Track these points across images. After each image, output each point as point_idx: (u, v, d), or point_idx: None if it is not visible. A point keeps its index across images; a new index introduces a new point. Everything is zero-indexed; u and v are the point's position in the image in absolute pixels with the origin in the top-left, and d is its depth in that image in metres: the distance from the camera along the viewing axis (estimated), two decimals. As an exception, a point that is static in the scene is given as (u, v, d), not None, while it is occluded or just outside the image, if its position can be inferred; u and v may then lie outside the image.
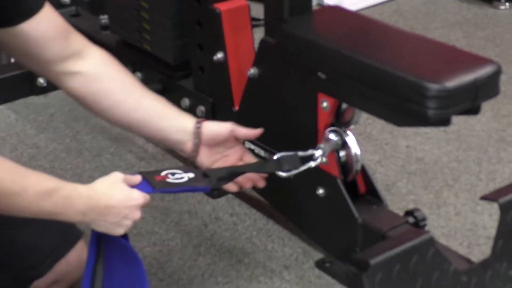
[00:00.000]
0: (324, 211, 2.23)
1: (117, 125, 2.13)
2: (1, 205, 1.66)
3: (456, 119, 1.94)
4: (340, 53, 2.06)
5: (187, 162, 2.73)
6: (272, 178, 1.99)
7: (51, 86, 3.17)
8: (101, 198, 1.74)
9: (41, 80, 3.16)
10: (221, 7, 2.44)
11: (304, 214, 2.33)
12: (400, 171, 2.74)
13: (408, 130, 2.92)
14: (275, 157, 1.96)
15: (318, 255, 2.33)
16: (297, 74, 2.19)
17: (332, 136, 2.12)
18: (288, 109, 2.25)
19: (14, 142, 2.91)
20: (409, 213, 2.18)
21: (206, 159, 1.99)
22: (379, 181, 2.50)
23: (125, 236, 1.79)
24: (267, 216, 2.50)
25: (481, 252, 2.29)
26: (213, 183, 1.87)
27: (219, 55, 2.47)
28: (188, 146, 1.98)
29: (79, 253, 2.10)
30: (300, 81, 2.18)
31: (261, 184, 1.99)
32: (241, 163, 2.00)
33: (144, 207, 1.78)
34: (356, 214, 2.15)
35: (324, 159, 2.06)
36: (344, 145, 2.13)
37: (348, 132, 2.13)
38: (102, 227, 1.76)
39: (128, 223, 1.76)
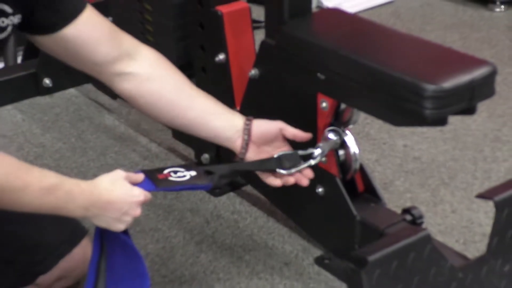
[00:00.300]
0: (324, 209, 2.23)
1: (169, 125, 2.14)
2: (5, 200, 1.66)
3: (453, 119, 1.93)
4: (339, 54, 2.06)
5: (189, 160, 2.74)
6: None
7: (57, 87, 3.19)
8: (103, 194, 1.74)
9: (46, 81, 3.16)
10: (222, 9, 2.44)
11: (304, 212, 2.33)
12: (397, 169, 2.74)
13: (406, 130, 2.92)
14: (275, 155, 1.96)
15: (317, 252, 2.33)
16: (297, 74, 2.19)
17: (331, 136, 2.12)
18: (288, 109, 2.25)
19: (20, 141, 2.91)
20: (406, 211, 2.18)
21: (254, 157, 1.98)
22: (377, 179, 2.49)
23: (126, 233, 1.79)
24: (268, 214, 2.50)
25: (476, 249, 2.28)
26: (215, 180, 1.86)
27: (221, 56, 2.47)
28: (238, 143, 1.96)
29: (84, 250, 2.10)
30: (300, 82, 2.18)
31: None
32: None
33: (147, 205, 1.78)
34: (355, 212, 2.15)
35: (324, 158, 2.05)
36: (343, 144, 2.13)
37: (347, 131, 2.13)
38: (103, 222, 1.77)
39: (128, 219, 1.76)
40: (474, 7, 4.03)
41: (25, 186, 1.66)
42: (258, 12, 2.78)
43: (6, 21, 1.77)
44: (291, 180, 1.94)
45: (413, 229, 2.07)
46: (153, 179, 1.80)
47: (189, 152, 2.76)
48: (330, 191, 2.19)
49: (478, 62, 1.97)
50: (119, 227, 1.76)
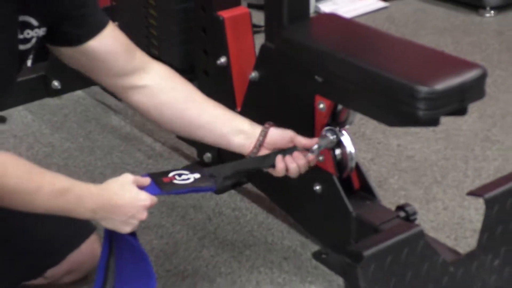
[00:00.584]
0: (321, 206, 2.23)
1: (181, 134, 2.15)
2: (19, 202, 1.67)
3: (445, 120, 1.93)
4: (336, 57, 2.05)
5: (192, 159, 2.74)
6: (272, 175, 1.98)
7: (65, 89, 3.19)
8: (111, 198, 1.74)
9: (55, 83, 3.17)
10: (224, 14, 2.44)
11: (302, 208, 2.33)
12: (391, 168, 2.74)
13: (399, 130, 2.92)
14: (275, 151, 1.96)
15: (315, 247, 2.32)
16: (296, 77, 2.19)
17: (329, 135, 2.12)
18: (287, 110, 2.25)
19: (30, 141, 2.91)
20: (400, 208, 2.18)
21: None
22: (372, 177, 2.49)
23: (133, 234, 1.80)
24: (267, 211, 2.50)
25: (467, 245, 2.28)
26: (219, 183, 1.87)
27: (223, 60, 2.47)
28: (246, 147, 1.98)
29: (91, 246, 2.11)
30: (299, 84, 2.18)
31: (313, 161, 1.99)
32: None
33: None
34: (351, 209, 2.14)
35: (321, 157, 2.05)
36: (339, 144, 2.13)
37: (343, 131, 2.13)
38: (110, 225, 1.77)
39: (134, 222, 1.77)
40: (465, 12, 4.03)
41: (37, 189, 1.67)
42: (258, 17, 2.78)
43: (31, 33, 1.80)
44: (292, 168, 1.95)
45: (406, 225, 2.07)
46: (159, 182, 1.81)
47: (192, 151, 2.76)
48: (327, 189, 2.19)
49: (469, 65, 1.97)
50: (126, 229, 1.77)
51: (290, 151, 1.96)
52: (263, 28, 2.35)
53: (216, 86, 2.54)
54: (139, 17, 2.96)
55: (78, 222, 1.83)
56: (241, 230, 2.43)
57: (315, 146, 2.01)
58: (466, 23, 3.93)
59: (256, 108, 2.38)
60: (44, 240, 2.04)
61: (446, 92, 1.87)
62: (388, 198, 2.49)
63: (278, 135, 1.98)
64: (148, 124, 3.00)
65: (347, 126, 2.16)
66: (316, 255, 2.30)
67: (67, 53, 1.91)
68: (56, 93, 3.21)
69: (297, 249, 2.34)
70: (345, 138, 2.12)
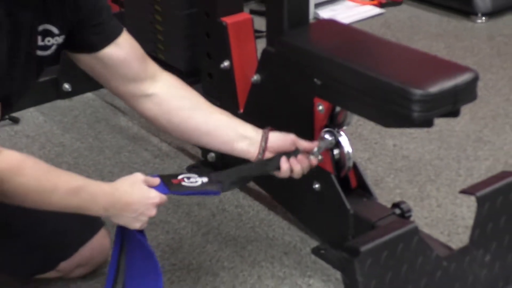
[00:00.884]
0: (320, 203, 2.23)
1: (188, 141, 2.18)
2: (36, 200, 1.68)
3: (438, 121, 1.94)
4: (334, 61, 2.06)
5: (196, 158, 2.74)
6: (273, 174, 1.99)
7: (76, 91, 3.19)
8: (122, 196, 1.75)
9: (66, 86, 3.17)
10: (227, 20, 2.44)
11: (302, 206, 2.33)
12: (387, 167, 2.74)
13: (395, 131, 2.92)
14: (278, 155, 1.97)
15: (314, 243, 2.32)
16: (296, 80, 2.19)
17: (327, 136, 2.12)
18: (287, 112, 2.25)
19: (42, 141, 2.91)
20: (395, 205, 2.18)
21: None
22: (369, 176, 2.49)
23: (142, 232, 1.80)
24: (269, 208, 2.50)
25: (460, 240, 2.28)
26: (225, 187, 1.87)
27: (226, 63, 2.47)
28: (251, 153, 1.99)
29: (101, 240, 2.11)
30: (298, 87, 2.18)
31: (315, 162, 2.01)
32: None
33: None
34: (348, 206, 2.14)
35: (320, 157, 2.05)
36: (337, 144, 2.13)
37: (341, 132, 2.13)
38: (121, 221, 1.79)
39: (144, 219, 1.78)
40: (458, 18, 4.02)
41: (54, 188, 1.68)
42: (260, 23, 2.78)
43: (52, 41, 1.81)
44: (297, 169, 1.97)
45: (402, 222, 2.08)
46: (168, 183, 1.82)
47: (197, 151, 2.76)
48: (326, 187, 2.19)
49: (461, 69, 1.97)
50: (136, 225, 1.78)
51: (292, 154, 1.97)
52: (264, 33, 2.35)
53: (220, 89, 2.55)
54: (146, 22, 2.97)
55: (87, 218, 1.84)
56: (243, 226, 2.43)
57: (315, 149, 2.01)
58: (458, 28, 3.92)
59: (258, 110, 2.38)
60: (56, 235, 2.04)
61: (440, 94, 1.87)
62: (384, 196, 2.49)
63: (280, 139, 1.99)
64: (155, 125, 3.00)
65: (345, 127, 2.16)
66: (315, 250, 2.29)
67: (84, 60, 1.92)
68: (67, 95, 3.21)
69: (297, 244, 2.34)
70: (343, 139, 2.12)
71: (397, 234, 1.92)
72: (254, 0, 4.11)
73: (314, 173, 2.05)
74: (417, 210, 2.44)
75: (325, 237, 2.28)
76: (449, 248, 2.13)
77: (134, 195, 1.76)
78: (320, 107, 2.12)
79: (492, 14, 4.00)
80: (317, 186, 2.20)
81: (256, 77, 2.34)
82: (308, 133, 2.15)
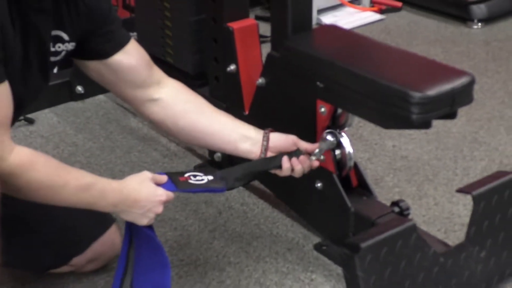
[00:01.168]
0: (322, 202, 2.22)
1: (193, 143, 2.19)
2: (48, 196, 1.68)
3: (436, 123, 1.93)
4: (336, 65, 2.05)
5: (204, 158, 2.74)
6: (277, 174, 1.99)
7: (88, 93, 3.20)
8: (131, 193, 1.75)
9: (79, 88, 3.17)
10: (233, 25, 2.44)
11: (305, 204, 2.33)
12: (387, 167, 2.73)
13: (394, 132, 2.91)
14: (280, 155, 1.97)
15: (316, 239, 2.32)
16: (299, 83, 2.19)
17: (329, 137, 2.12)
18: (291, 113, 2.25)
19: (56, 141, 2.91)
20: (394, 203, 2.18)
21: None
22: (369, 176, 2.48)
23: (150, 227, 1.80)
24: (273, 206, 2.49)
25: (456, 237, 2.28)
26: (229, 184, 1.87)
27: (232, 67, 2.46)
28: (254, 153, 1.99)
29: (112, 236, 2.11)
30: (301, 89, 2.18)
31: (316, 164, 2.01)
32: None
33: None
34: (349, 204, 2.14)
35: (322, 157, 2.05)
36: (339, 145, 2.12)
37: (343, 133, 2.13)
38: (129, 217, 1.78)
39: (151, 215, 1.78)
40: (455, 24, 4.02)
41: (64, 184, 1.67)
42: (265, 28, 2.78)
43: (62, 47, 1.81)
44: (298, 168, 1.97)
45: (400, 219, 2.07)
46: (175, 181, 1.82)
47: (204, 151, 2.75)
48: (328, 186, 2.18)
49: (458, 73, 1.97)
50: (143, 221, 1.78)
51: (294, 154, 1.97)
52: (269, 38, 2.36)
53: (226, 91, 2.54)
54: (156, 28, 2.97)
55: (99, 214, 1.84)
56: (248, 223, 2.42)
57: (317, 150, 2.01)
58: (455, 34, 3.92)
59: (262, 112, 2.38)
60: (69, 231, 2.04)
61: (437, 97, 1.87)
62: (384, 195, 2.48)
63: (281, 139, 1.99)
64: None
65: (346, 128, 2.15)
66: (317, 247, 2.29)
67: (93, 66, 1.92)
68: (80, 97, 3.21)
69: (300, 241, 2.33)
70: (344, 140, 2.12)
71: (396, 231, 1.92)
72: (259, 6, 4.11)
73: (317, 172, 2.05)
74: (415, 208, 2.43)
75: (327, 234, 2.28)
76: (446, 245, 2.13)
77: (142, 192, 1.76)
78: (323, 109, 2.12)
79: (487, 20, 3.99)
80: (319, 185, 2.20)
81: (261, 80, 2.33)
82: (310, 134, 2.14)
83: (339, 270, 2.18)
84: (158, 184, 1.79)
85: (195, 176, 1.85)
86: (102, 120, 3.07)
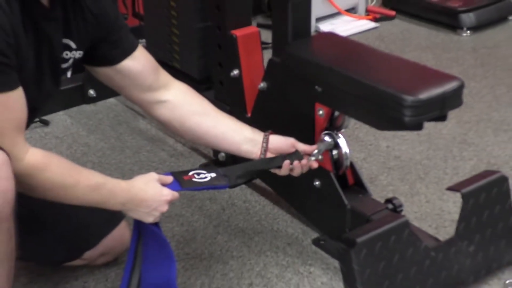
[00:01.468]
0: (320, 199, 2.22)
1: (198, 143, 2.19)
2: (60, 195, 1.68)
3: (427, 125, 1.93)
4: (333, 70, 2.05)
5: (208, 158, 2.74)
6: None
7: (100, 97, 3.20)
8: (138, 193, 1.75)
9: (91, 92, 3.17)
10: (237, 33, 2.44)
11: (304, 201, 2.33)
12: (381, 166, 2.73)
13: (388, 133, 2.91)
14: (280, 156, 1.97)
15: (314, 235, 2.32)
16: (298, 87, 2.19)
17: (327, 138, 2.12)
18: (291, 116, 2.24)
19: (69, 141, 2.91)
20: (388, 200, 2.18)
21: None
22: (365, 174, 2.48)
23: (156, 224, 1.80)
24: (274, 203, 2.49)
25: (446, 233, 2.27)
26: (231, 181, 1.87)
27: (235, 72, 2.46)
28: (255, 153, 1.99)
29: (122, 231, 2.11)
30: (301, 93, 2.17)
31: (315, 165, 2.00)
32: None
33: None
34: (346, 201, 2.14)
35: (320, 157, 2.05)
36: (336, 145, 2.12)
37: (340, 134, 2.12)
38: (136, 215, 1.79)
39: (157, 214, 1.78)
40: (445, 32, 4.01)
41: (76, 184, 1.67)
42: (266, 35, 2.78)
43: (69, 54, 1.82)
44: (297, 168, 1.97)
45: (394, 216, 2.07)
46: (180, 180, 1.81)
47: (208, 151, 2.75)
48: (326, 184, 2.18)
49: (448, 78, 1.97)
50: (149, 219, 1.79)
51: (293, 155, 1.97)
52: (270, 45, 2.35)
53: (230, 95, 2.54)
54: (163, 35, 2.97)
55: (109, 212, 1.84)
56: (250, 219, 2.42)
57: (316, 151, 2.01)
58: (445, 41, 3.91)
59: (264, 114, 2.38)
60: (81, 228, 2.04)
61: (429, 101, 1.86)
62: (378, 193, 2.48)
63: (281, 141, 2.00)
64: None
65: (343, 130, 2.15)
66: (316, 241, 2.29)
67: (103, 72, 1.92)
68: (92, 100, 3.21)
69: (299, 236, 2.33)
70: (341, 141, 2.12)
71: (389, 227, 1.92)
72: (261, 14, 4.10)
73: (315, 171, 2.05)
74: (407, 205, 2.43)
75: (325, 230, 2.28)
76: (436, 240, 2.12)
77: (149, 192, 1.76)
78: (321, 112, 2.12)
79: (476, 28, 3.99)
80: (317, 183, 2.20)
81: (262, 85, 2.33)
82: (309, 135, 2.14)
83: (336, 263, 2.17)
84: (164, 184, 1.79)
85: (198, 174, 1.85)
86: (113, 122, 3.07)
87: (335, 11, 4.10)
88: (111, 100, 3.24)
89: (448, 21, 4.04)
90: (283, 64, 2.24)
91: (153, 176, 1.79)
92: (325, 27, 4.01)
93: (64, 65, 1.83)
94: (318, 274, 2.16)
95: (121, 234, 2.11)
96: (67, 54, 1.81)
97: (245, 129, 2.02)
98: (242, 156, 2.02)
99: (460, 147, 2.86)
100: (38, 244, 1.98)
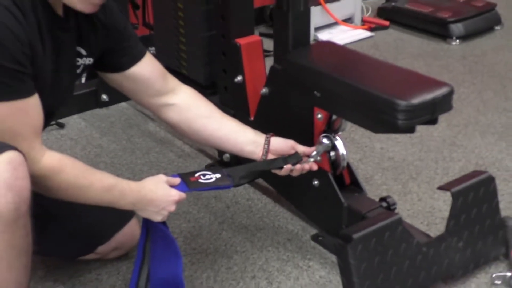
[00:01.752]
0: (318, 197, 2.22)
1: (203, 144, 2.18)
2: (75, 195, 1.68)
3: (419, 128, 1.92)
4: (331, 76, 2.05)
5: (214, 159, 2.73)
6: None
7: (112, 101, 3.19)
8: (147, 194, 1.75)
9: (104, 96, 3.17)
10: (240, 41, 2.44)
11: (303, 199, 2.32)
12: (376, 167, 2.72)
13: (382, 136, 2.91)
14: (281, 158, 1.97)
15: (313, 231, 2.31)
16: (298, 92, 2.18)
17: (325, 140, 2.11)
18: (291, 119, 2.24)
19: (83, 143, 2.91)
20: (383, 199, 2.17)
21: None
22: (360, 175, 2.48)
23: (164, 223, 1.80)
24: (275, 201, 2.49)
25: (437, 229, 2.27)
26: (235, 181, 1.87)
27: (239, 78, 2.46)
28: (257, 154, 1.99)
29: (132, 228, 2.11)
30: (301, 98, 2.17)
31: (315, 167, 2.00)
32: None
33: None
34: (343, 200, 2.14)
35: (319, 158, 2.05)
36: (334, 147, 2.12)
37: (337, 137, 2.12)
38: (146, 215, 1.79)
39: (165, 213, 1.78)
40: (436, 41, 4.01)
41: (90, 185, 1.67)
42: (268, 44, 2.78)
43: (80, 61, 1.82)
44: (297, 169, 1.96)
45: (388, 213, 2.07)
46: (187, 181, 1.81)
47: (214, 152, 2.75)
48: (324, 183, 2.18)
49: (439, 84, 1.96)
50: (158, 218, 1.79)
51: (293, 157, 1.96)
52: (272, 53, 2.34)
53: (234, 99, 2.54)
54: (172, 43, 2.97)
55: (120, 210, 1.84)
56: (253, 216, 2.42)
57: (314, 153, 2.01)
58: (436, 49, 3.91)
59: (266, 118, 2.38)
60: (95, 224, 2.04)
61: (421, 105, 1.86)
62: (373, 191, 2.48)
63: (281, 143, 1.99)
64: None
65: (340, 133, 2.15)
66: (314, 237, 2.29)
67: (113, 78, 1.92)
68: (105, 104, 3.21)
69: (299, 232, 2.33)
70: (339, 143, 2.11)
71: (384, 224, 1.91)
72: (263, 24, 4.10)
73: (314, 171, 2.04)
74: (400, 204, 2.42)
75: (323, 226, 2.27)
76: (428, 236, 2.12)
77: (158, 193, 1.76)
78: (319, 116, 2.11)
79: (464, 37, 3.99)
80: (316, 182, 2.19)
81: (264, 90, 2.33)
82: (308, 138, 2.14)
83: (333, 258, 2.17)
84: (172, 186, 1.79)
85: (204, 175, 1.85)
86: (124, 125, 3.07)
87: (333, 21, 4.09)
88: (123, 104, 3.23)
89: (438, 30, 4.04)
90: (284, 71, 2.23)
91: (161, 178, 1.79)
92: (323, 36, 4.01)
93: (77, 71, 1.83)
94: (316, 268, 2.16)
95: (131, 230, 2.10)
96: (78, 61, 1.81)
97: (248, 131, 2.01)
98: (245, 156, 2.02)
99: (450, 148, 2.86)
100: (54, 239, 1.98)
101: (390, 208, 2.15)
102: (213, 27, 2.67)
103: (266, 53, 2.58)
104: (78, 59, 1.80)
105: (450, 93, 1.93)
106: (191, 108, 1.99)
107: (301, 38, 2.22)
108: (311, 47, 2.32)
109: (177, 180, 1.80)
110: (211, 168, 2.00)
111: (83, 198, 1.69)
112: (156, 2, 3.09)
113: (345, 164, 2.14)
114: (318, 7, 3.96)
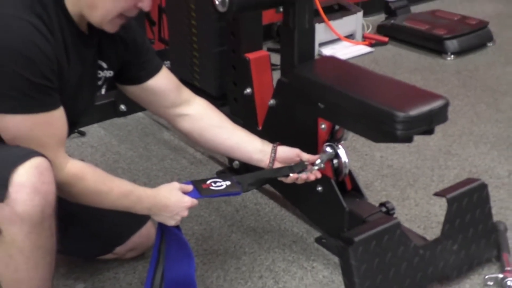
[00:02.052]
0: (322, 202, 2.21)
1: (215, 152, 2.18)
2: (94, 200, 1.69)
3: (416, 137, 1.92)
4: (334, 89, 2.05)
5: (224, 166, 2.73)
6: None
7: (130, 111, 3.20)
8: (162, 199, 1.75)
9: (122, 107, 3.17)
10: (250, 56, 2.44)
11: (308, 204, 2.32)
12: (376, 174, 2.72)
13: (382, 145, 2.90)
14: (287, 166, 1.97)
15: (317, 234, 2.31)
16: (303, 104, 2.18)
17: (328, 149, 2.11)
18: (297, 129, 2.24)
19: (103, 150, 2.92)
20: (382, 204, 2.17)
21: None
22: (361, 181, 2.47)
23: (177, 227, 1.80)
24: (281, 205, 2.49)
25: (433, 233, 2.26)
26: (244, 188, 1.87)
27: (248, 90, 2.46)
28: (265, 162, 1.99)
29: (148, 230, 2.11)
30: (306, 109, 2.17)
31: (319, 175, 2.01)
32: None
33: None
34: (345, 205, 2.13)
35: (322, 165, 2.04)
36: (336, 155, 2.12)
37: (340, 146, 2.12)
38: (160, 219, 1.79)
39: (178, 218, 1.78)
40: (432, 56, 4.00)
41: (109, 191, 1.68)
42: (276, 58, 2.78)
43: (101, 74, 1.82)
44: (302, 178, 1.97)
45: (387, 218, 2.06)
46: (199, 188, 1.82)
47: (224, 160, 2.75)
48: (327, 189, 2.17)
49: (435, 97, 1.96)
50: (171, 223, 1.79)
51: (298, 164, 1.97)
52: (279, 67, 2.35)
53: (243, 110, 2.54)
54: (186, 57, 2.97)
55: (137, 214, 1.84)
56: (261, 219, 2.41)
57: (318, 161, 2.01)
58: (432, 64, 3.90)
59: (273, 127, 2.38)
60: (113, 226, 2.04)
61: (418, 117, 1.86)
62: (373, 197, 2.47)
63: (287, 152, 2.00)
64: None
65: (342, 142, 2.15)
66: (318, 240, 2.28)
67: (131, 90, 1.93)
68: (123, 114, 3.21)
69: (303, 235, 2.32)
70: (341, 151, 2.11)
71: (383, 227, 1.91)
72: (271, 40, 4.11)
73: (318, 178, 2.04)
74: (399, 209, 2.42)
75: (326, 229, 2.27)
76: (424, 239, 2.11)
77: (171, 199, 1.76)
78: (323, 126, 2.11)
79: (459, 53, 3.98)
80: (320, 188, 2.19)
81: (272, 102, 2.33)
82: (313, 146, 2.14)
83: (336, 259, 2.17)
84: (185, 192, 1.79)
85: (215, 182, 1.85)
86: (141, 133, 3.07)
87: (336, 37, 4.10)
88: (140, 114, 3.24)
89: (434, 47, 4.04)
90: (290, 84, 2.24)
91: (175, 185, 1.79)
92: (327, 51, 4.01)
93: (98, 83, 1.84)
94: (320, 269, 2.15)
95: (147, 232, 2.11)
96: (99, 74, 1.82)
97: (256, 140, 2.02)
98: (253, 164, 2.02)
99: (445, 157, 2.85)
100: (75, 240, 1.99)
101: (389, 212, 2.14)
102: (224, 43, 2.68)
103: (273, 67, 2.59)
104: (100, 71, 1.81)
105: (446, 105, 1.93)
106: (204, 118, 1.99)
107: (306, 53, 2.23)
108: (316, 62, 2.32)
109: (190, 187, 1.81)
110: (221, 175, 2.00)
111: (103, 203, 1.69)
112: (171, 19, 3.10)
113: (347, 171, 2.14)
114: (322, 24, 3.97)
